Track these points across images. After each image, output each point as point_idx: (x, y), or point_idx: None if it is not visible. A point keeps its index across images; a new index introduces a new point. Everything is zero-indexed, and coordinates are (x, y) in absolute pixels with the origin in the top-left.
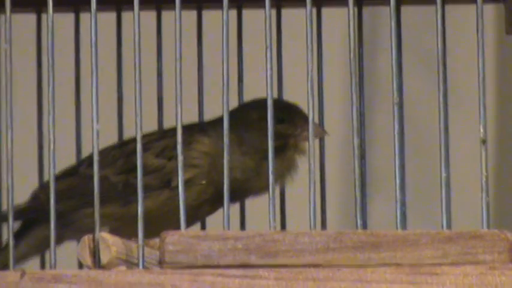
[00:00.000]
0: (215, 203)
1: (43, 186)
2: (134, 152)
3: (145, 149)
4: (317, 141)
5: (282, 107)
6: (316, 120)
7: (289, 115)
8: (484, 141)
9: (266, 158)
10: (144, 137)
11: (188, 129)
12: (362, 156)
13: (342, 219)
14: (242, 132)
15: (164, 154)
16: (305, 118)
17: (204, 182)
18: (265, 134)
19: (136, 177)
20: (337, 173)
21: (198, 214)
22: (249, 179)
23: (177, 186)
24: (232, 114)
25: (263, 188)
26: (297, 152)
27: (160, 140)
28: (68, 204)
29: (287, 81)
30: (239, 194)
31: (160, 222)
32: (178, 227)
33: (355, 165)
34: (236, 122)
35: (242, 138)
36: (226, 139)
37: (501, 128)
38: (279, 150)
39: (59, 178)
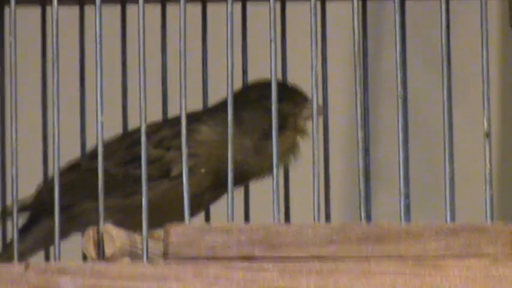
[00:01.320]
0: (217, 189)
1: (46, 182)
2: (133, 143)
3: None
4: (321, 133)
5: (281, 86)
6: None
7: (288, 94)
8: (487, 135)
9: (266, 137)
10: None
11: (185, 118)
12: (366, 149)
13: (345, 212)
14: (241, 111)
15: (162, 144)
16: (304, 97)
17: (203, 170)
18: (265, 112)
19: (135, 168)
20: (341, 165)
21: (200, 202)
22: (248, 160)
23: (176, 176)
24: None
25: (264, 169)
26: (296, 131)
27: (159, 130)
28: (71, 199)
29: (291, 75)
30: (241, 176)
31: (161, 213)
32: (181, 217)
33: (359, 158)
34: (235, 103)
35: (241, 117)
36: (230, 131)
37: (505, 121)
38: (279, 129)
39: (61, 173)
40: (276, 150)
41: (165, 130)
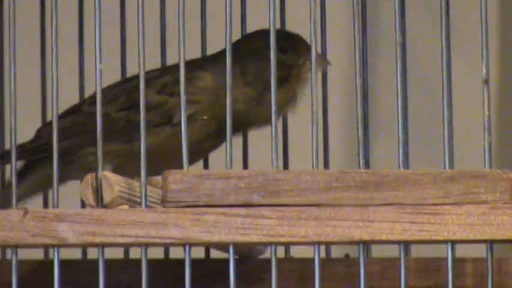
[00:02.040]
0: (219, 136)
1: (46, 125)
2: (135, 88)
3: (146, 85)
4: (320, 81)
5: (285, 36)
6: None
7: (292, 45)
8: (486, 81)
9: (269, 87)
10: (145, 73)
11: (187, 65)
12: (365, 96)
13: (344, 159)
14: (245, 62)
15: (165, 90)
16: (308, 47)
17: (205, 117)
18: (269, 62)
19: (137, 114)
20: (340, 112)
21: (202, 149)
22: (251, 109)
23: (178, 123)
24: (235, 45)
25: (267, 119)
26: (300, 81)
27: (161, 76)
28: (71, 143)
29: (290, 20)
30: (242, 125)
31: (163, 159)
32: (182, 164)
33: (358, 105)
34: (239, 53)
35: (245, 68)
36: (228, 78)
37: (503, 68)
38: (283, 80)
39: (61, 116)
40: (274, 96)
41: (168, 76)
